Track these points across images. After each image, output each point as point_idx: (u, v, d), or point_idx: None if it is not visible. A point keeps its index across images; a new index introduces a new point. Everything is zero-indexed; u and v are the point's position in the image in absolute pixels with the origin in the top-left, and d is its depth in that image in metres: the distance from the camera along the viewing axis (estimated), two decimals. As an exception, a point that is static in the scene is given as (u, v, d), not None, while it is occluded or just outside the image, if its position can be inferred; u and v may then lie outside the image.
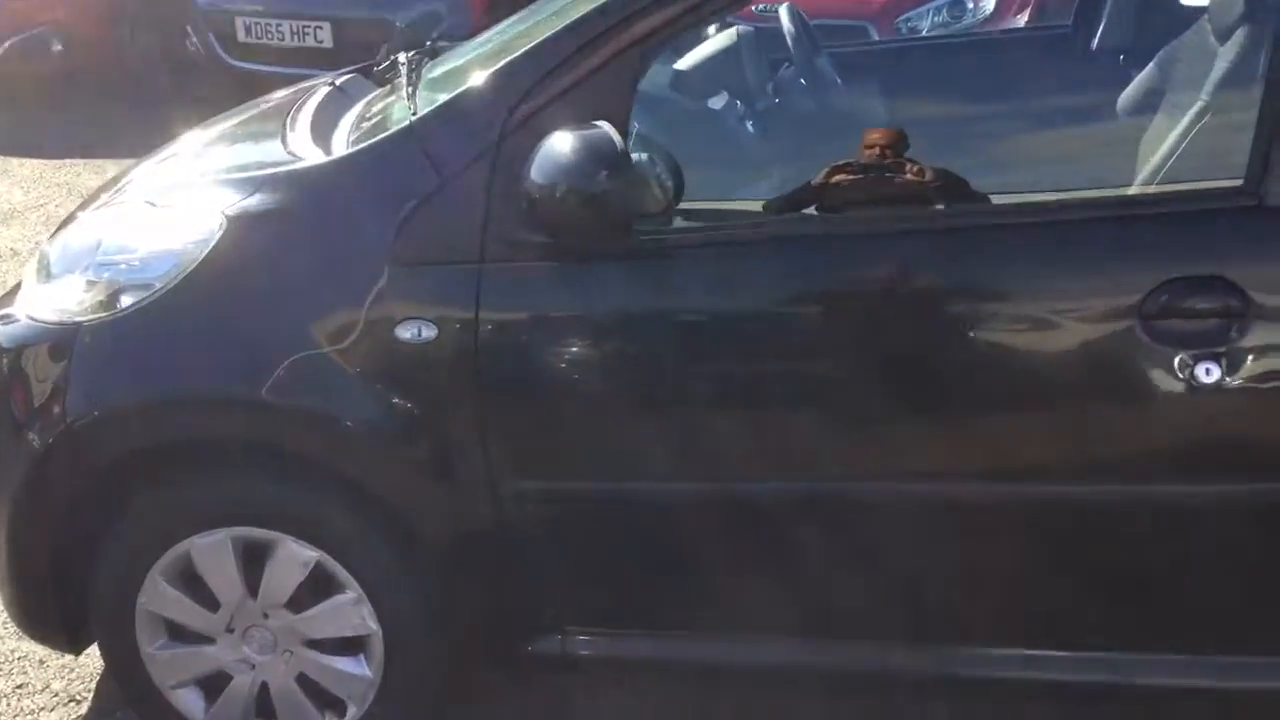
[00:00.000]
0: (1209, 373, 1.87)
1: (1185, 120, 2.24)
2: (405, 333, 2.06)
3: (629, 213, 1.94)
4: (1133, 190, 2.15)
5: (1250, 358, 1.86)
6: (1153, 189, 2.09)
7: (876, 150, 2.18)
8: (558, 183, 1.89)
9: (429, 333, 2.05)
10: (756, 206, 2.25)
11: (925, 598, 2.13)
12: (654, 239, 2.04)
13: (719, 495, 2.12)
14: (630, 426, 2.11)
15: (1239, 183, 1.89)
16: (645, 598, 2.24)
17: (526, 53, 2.07)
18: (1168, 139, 2.25)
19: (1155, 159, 2.23)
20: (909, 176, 2.14)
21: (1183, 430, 1.93)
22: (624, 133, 1.94)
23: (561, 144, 1.89)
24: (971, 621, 2.15)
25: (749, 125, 2.75)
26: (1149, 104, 2.64)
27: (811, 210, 2.14)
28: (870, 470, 2.08)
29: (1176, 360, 1.87)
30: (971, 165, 2.50)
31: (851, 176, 2.14)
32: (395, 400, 2.09)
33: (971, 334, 1.97)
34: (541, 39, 2.07)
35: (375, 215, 2.08)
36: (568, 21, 2.06)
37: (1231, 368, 1.86)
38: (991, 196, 2.18)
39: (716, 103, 2.69)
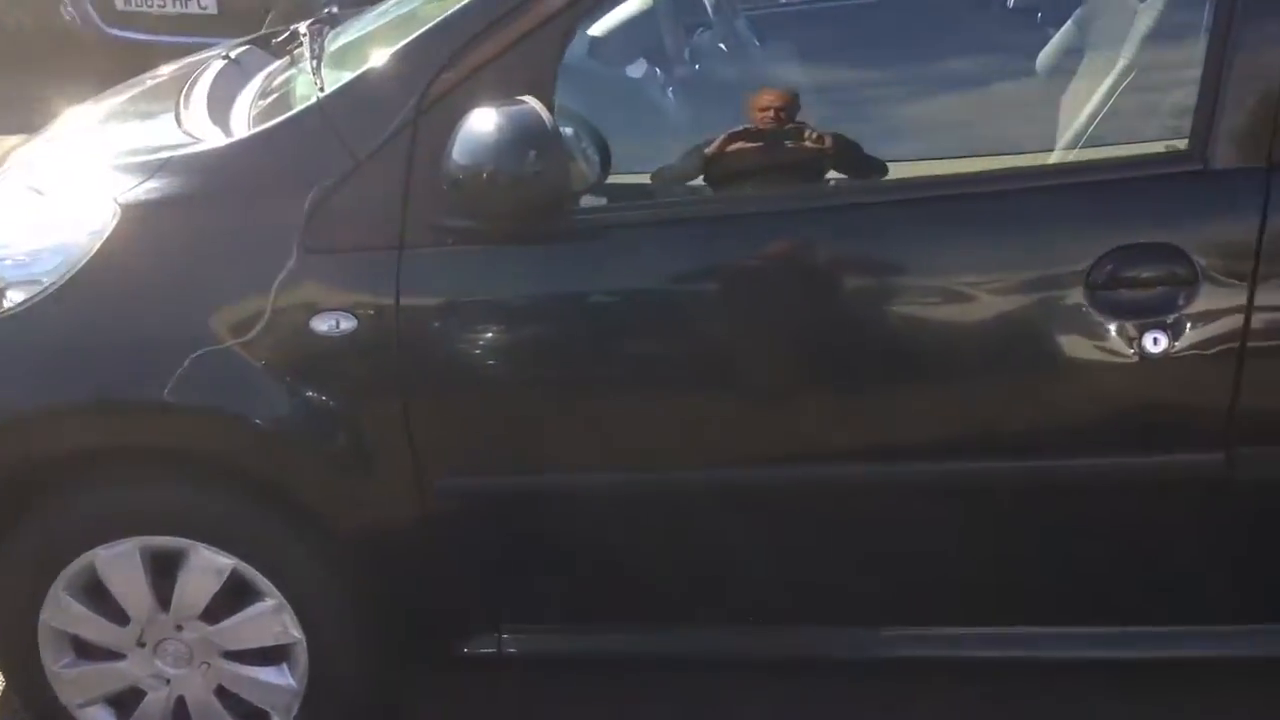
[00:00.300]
0: (1156, 342, 1.83)
1: (1108, 81, 2.20)
2: (322, 325, 1.94)
3: (561, 193, 1.83)
4: (1071, 156, 2.10)
5: (1199, 325, 1.82)
6: (1095, 154, 2.03)
7: (770, 113, 2.11)
8: (483, 164, 1.78)
9: (347, 324, 1.93)
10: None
11: (869, 580, 2.09)
12: (587, 219, 1.94)
13: (654, 484, 2.03)
14: (564, 415, 2.01)
15: (1184, 146, 1.85)
16: (585, 591, 2.16)
17: (441, 23, 1.95)
18: (1090, 101, 2.20)
19: (1078, 122, 2.18)
20: (807, 144, 2.08)
21: (1131, 402, 1.89)
22: (549, 108, 1.83)
23: (485, 123, 1.78)
24: (924, 601, 2.11)
25: (670, 94, 2.66)
26: (1068, 64, 2.59)
27: (700, 180, 2.09)
28: (809, 454, 2.01)
29: (1124, 330, 1.83)
30: (890, 129, 2.45)
31: (749, 145, 2.06)
32: (311, 396, 1.97)
33: (919, 312, 1.92)
34: (457, 7, 1.94)
35: (284, 200, 1.94)
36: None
37: (1180, 336, 1.82)
38: (920, 163, 2.13)
39: (635, 71, 2.59)
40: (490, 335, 1.98)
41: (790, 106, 2.12)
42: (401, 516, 2.05)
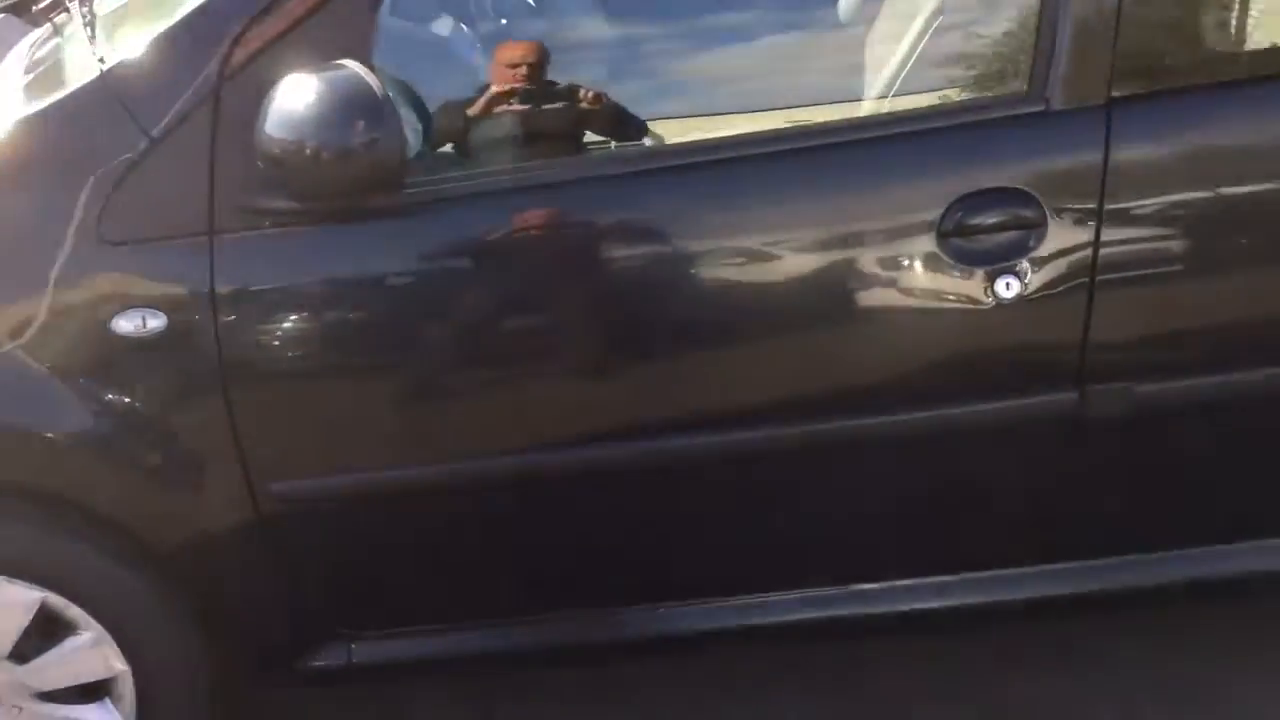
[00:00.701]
0: (1009, 287, 1.82)
1: (917, 25, 2.17)
2: (127, 324, 1.75)
3: (399, 165, 1.68)
4: (911, 103, 2.05)
5: (1049, 267, 1.82)
6: (936, 101, 1.99)
7: (522, 70, 2.00)
8: (304, 137, 1.62)
9: (156, 322, 1.75)
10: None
11: (726, 554, 2.04)
12: (418, 192, 1.79)
13: (495, 472, 1.92)
14: (401, 407, 1.87)
15: (1024, 88, 1.83)
16: (436, 592, 2.03)
17: None
18: (901, 45, 2.18)
19: (889, 68, 2.15)
20: (584, 105, 2.00)
21: (988, 348, 1.88)
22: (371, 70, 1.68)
23: (302, 91, 1.62)
24: (790, 568, 2.06)
25: (480, 51, 2.51)
26: (871, 8, 2.56)
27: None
28: (652, 428, 1.91)
29: (978, 277, 1.81)
30: (707, 81, 2.36)
31: (521, 107, 1.97)
32: (116, 403, 1.78)
33: (765, 275, 1.85)
34: None
35: (72, 188, 1.73)
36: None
37: (1032, 279, 1.81)
38: (731, 117, 2.08)
39: (442, 28, 2.43)
40: (319, 325, 1.82)
41: (539, 60, 2.01)
42: (231, 527, 1.88)
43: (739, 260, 1.86)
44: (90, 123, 1.77)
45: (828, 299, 1.87)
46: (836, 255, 1.84)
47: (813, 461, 1.94)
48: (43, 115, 1.81)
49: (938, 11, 2.15)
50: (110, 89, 1.77)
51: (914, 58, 2.12)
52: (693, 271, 1.87)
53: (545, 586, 2.06)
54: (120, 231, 1.73)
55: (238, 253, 1.75)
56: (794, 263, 1.86)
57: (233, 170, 1.71)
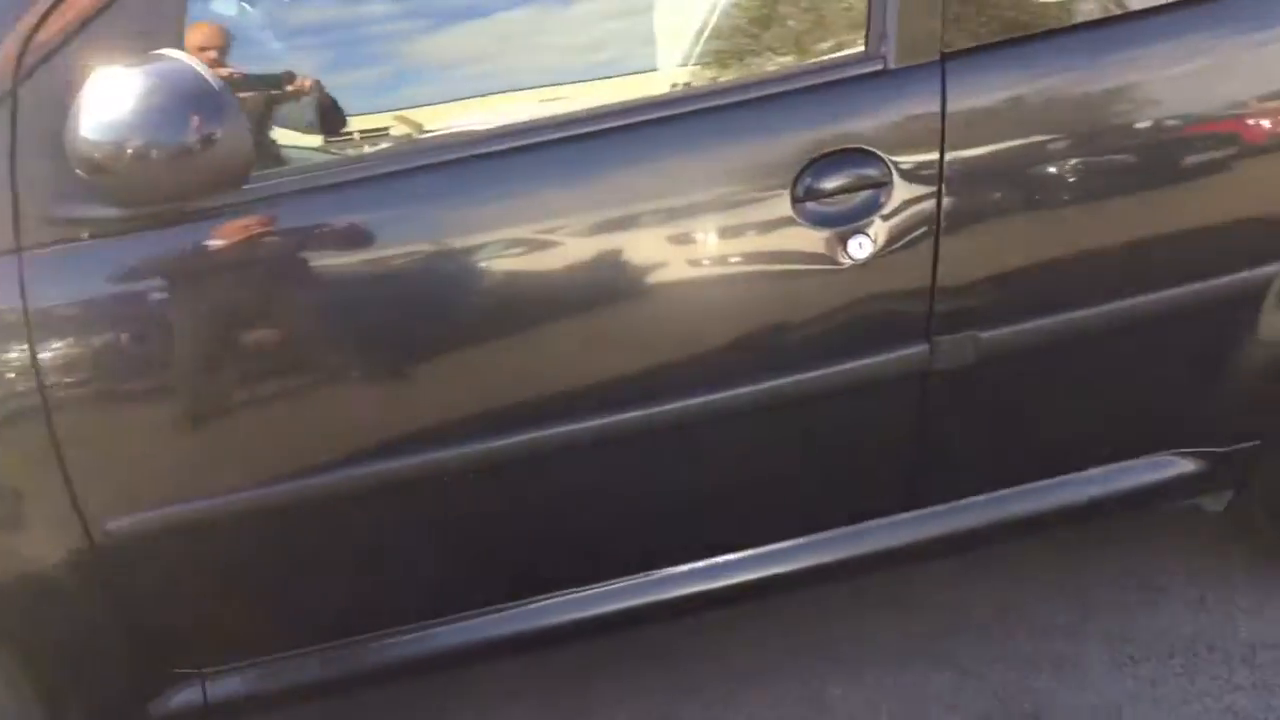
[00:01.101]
0: (861, 246, 1.83)
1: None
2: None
3: (246, 162, 1.54)
4: (750, 70, 2.01)
5: (898, 223, 1.84)
6: (780, 66, 1.95)
7: (212, 54, 1.81)
8: (128, 138, 1.46)
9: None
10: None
11: (556, 548, 2.03)
12: (270, 186, 1.65)
13: (338, 486, 1.81)
14: (237, 427, 1.74)
15: (861, 48, 1.84)
16: (289, 619, 1.91)
17: None
18: (696, 13, 2.15)
19: (688, 36, 2.13)
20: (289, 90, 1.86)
21: (843, 309, 1.89)
22: None
23: (124, 87, 1.46)
24: (627, 548, 2.06)
25: (271, 33, 2.34)
26: None
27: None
28: (475, 431, 1.85)
29: (832, 239, 1.82)
30: (517, 59, 2.27)
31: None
32: None
33: (626, 255, 1.81)
34: None
35: None
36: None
37: (882, 237, 1.84)
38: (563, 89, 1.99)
39: (227, 8, 2.25)
40: (151, 342, 1.67)
41: (222, 44, 1.84)
42: (62, 567, 1.71)
43: (582, 247, 1.81)
44: None
45: (683, 277, 1.83)
46: (700, 225, 1.81)
47: (676, 436, 1.91)
48: None
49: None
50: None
51: (738, 23, 2.10)
52: (538, 266, 1.81)
53: (368, 604, 1.98)
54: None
55: (51, 266, 1.59)
56: (641, 245, 1.82)
57: (41, 178, 1.55)
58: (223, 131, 1.48)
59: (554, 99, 1.98)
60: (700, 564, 2.06)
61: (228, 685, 1.88)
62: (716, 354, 1.87)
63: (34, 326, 1.57)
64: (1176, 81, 1.94)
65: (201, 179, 1.52)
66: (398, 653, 1.99)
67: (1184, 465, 2.24)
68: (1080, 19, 1.91)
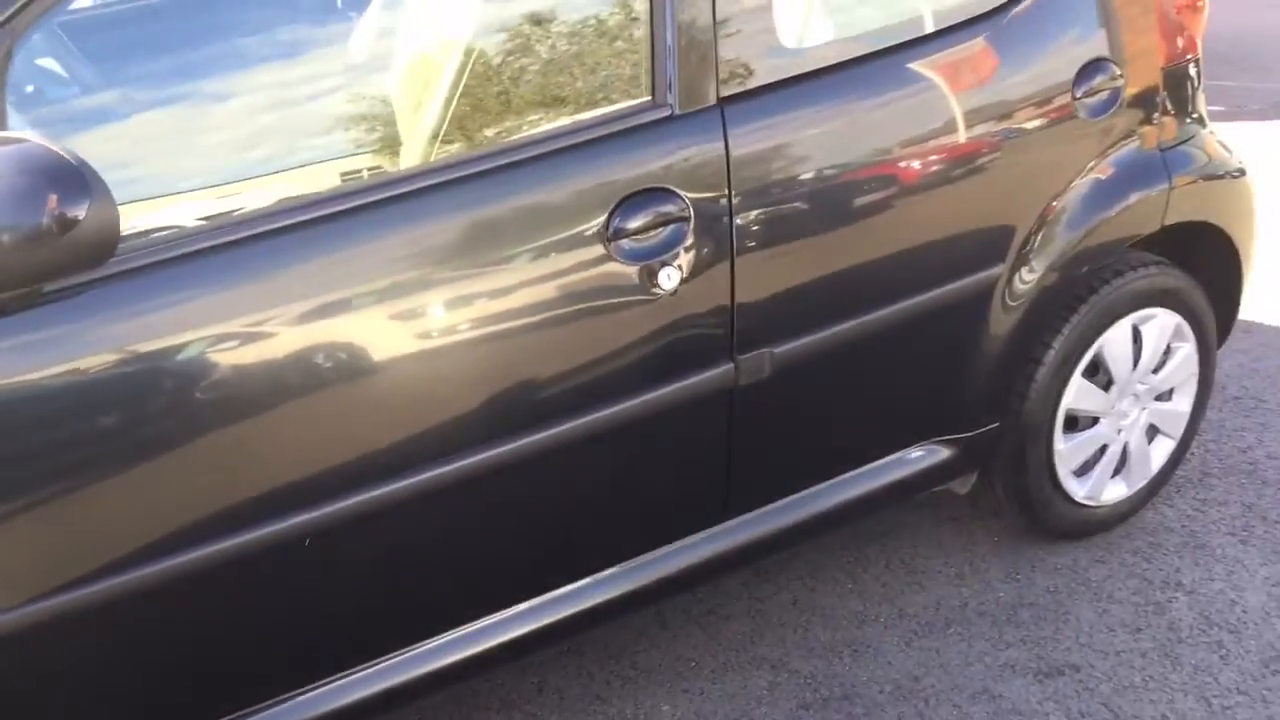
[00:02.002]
0: (670, 278, 1.98)
1: (456, 60, 2.26)
2: None
3: (115, 235, 1.51)
4: (561, 120, 2.09)
5: (699, 254, 2.01)
6: (581, 117, 2.03)
7: None
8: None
9: None
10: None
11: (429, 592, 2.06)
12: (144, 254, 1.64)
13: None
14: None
15: (647, 98, 2.00)
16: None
17: None
18: (442, 85, 2.24)
19: (433, 113, 2.20)
20: None
21: (657, 337, 2.02)
22: None
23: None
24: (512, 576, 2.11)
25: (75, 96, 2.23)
26: (389, 49, 2.59)
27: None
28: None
29: (644, 273, 1.96)
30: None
31: None
32: None
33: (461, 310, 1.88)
34: None
35: None
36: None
37: (688, 268, 2.00)
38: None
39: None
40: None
41: None
42: None
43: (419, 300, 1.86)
44: None
45: (510, 321, 1.91)
46: (521, 273, 1.90)
47: (524, 471, 1.99)
48: None
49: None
50: None
51: (529, 80, 2.18)
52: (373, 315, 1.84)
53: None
54: None
55: None
56: (469, 290, 1.88)
57: None
58: (94, 208, 1.45)
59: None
60: (515, 609, 2.14)
61: None
62: (542, 389, 1.96)
63: None
64: (900, 117, 2.21)
65: (72, 259, 1.48)
66: None
67: (941, 453, 2.52)
68: (829, 63, 2.15)
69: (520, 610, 2.16)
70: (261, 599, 1.88)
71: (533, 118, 2.01)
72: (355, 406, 1.82)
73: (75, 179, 1.45)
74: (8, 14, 1.54)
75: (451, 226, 1.88)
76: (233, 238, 1.72)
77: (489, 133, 2.00)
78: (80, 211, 1.45)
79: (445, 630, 2.10)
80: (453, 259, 1.87)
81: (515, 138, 1.98)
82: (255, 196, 1.84)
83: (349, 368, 1.80)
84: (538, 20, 2.08)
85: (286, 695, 1.97)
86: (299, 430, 1.78)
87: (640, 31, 2.00)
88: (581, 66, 2.06)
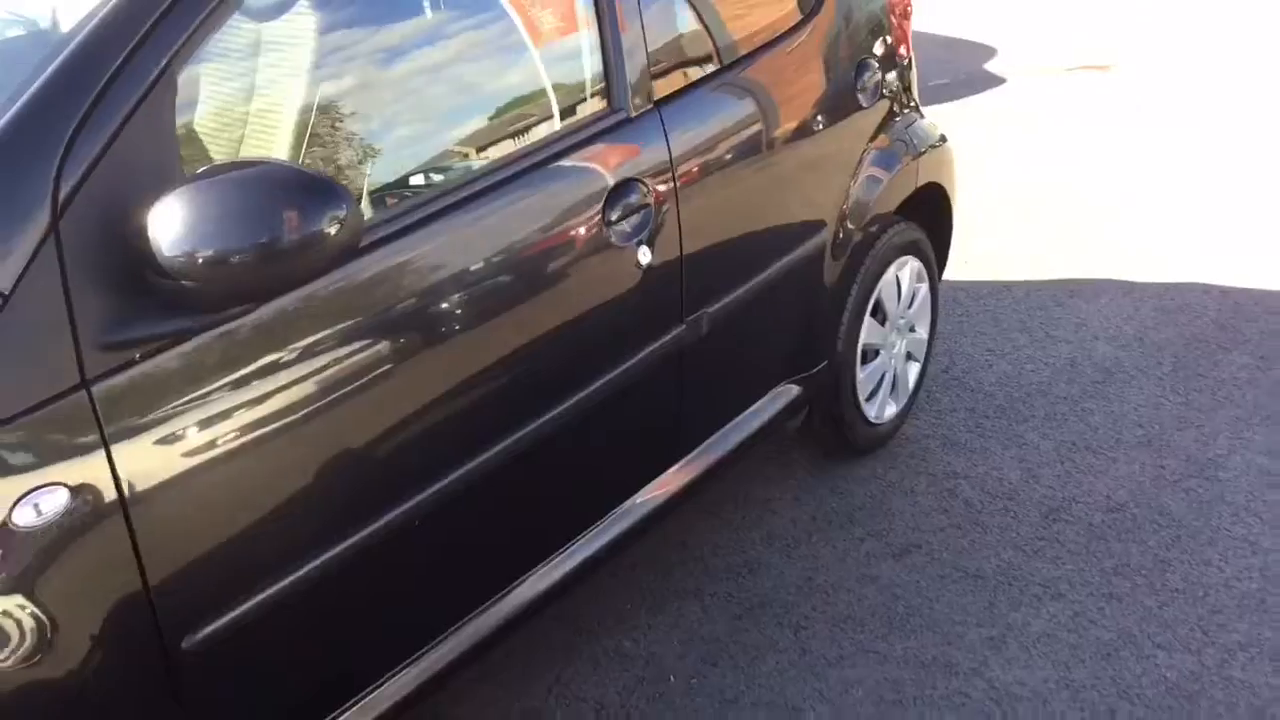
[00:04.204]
0: (645, 255, 2.33)
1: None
2: (23, 518, 1.47)
3: (357, 234, 1.65)
4: (558, 127, 2.28)
5: (661, 234, 2.37)
6: (558, 127, 2.27)
7: None
8: (233, 247, 1.53)
9: (56, 503, 1.50)
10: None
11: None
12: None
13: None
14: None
15: (606, 104, 2.34)
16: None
17: (47, 89, 1.55)
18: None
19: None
20: None
21: (639, 306, 2.36)
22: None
23: (232, 199, 1.53)
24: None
25: None
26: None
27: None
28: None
29: (630, 252, 2.30)
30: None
31: None
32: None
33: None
34: (60, 63, 1.57)
35: None
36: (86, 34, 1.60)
37: (656, 245, 2.35)
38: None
39: None
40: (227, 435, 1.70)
41: None
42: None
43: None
44: None
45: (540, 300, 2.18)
46: (544, 257, 2.17)
47: (555, 438, 2.26)
48: None
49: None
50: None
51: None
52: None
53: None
54: (-9, 412, 1.45)
55: (129, 398, 1.57)
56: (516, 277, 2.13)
57: (93, 308, 1.54)
58: (349, 215, 1.59)
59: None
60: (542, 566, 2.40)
61: None
62: (576, 358, 2.27)
63: (116, 459, 1.54)
64: (767, 119, 2.69)
65: (325, 261, 1.63)
66: None
67: (793, 391, 3.01)
68: (722, 64, 2.60)
69: (556, 559, 2.41)
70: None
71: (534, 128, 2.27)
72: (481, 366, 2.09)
73: (332, 191, 1.59)
74: (177, 45, 1.64)
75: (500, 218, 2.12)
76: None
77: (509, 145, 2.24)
78: (341, 217, 1.60)
79: (515, 580, 2.33)
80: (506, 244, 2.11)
81: (523, 145, 2.23)
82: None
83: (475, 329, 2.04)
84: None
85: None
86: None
87: (593, 43, 2.34)
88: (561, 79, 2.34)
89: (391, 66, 2.04)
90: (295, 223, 1.56)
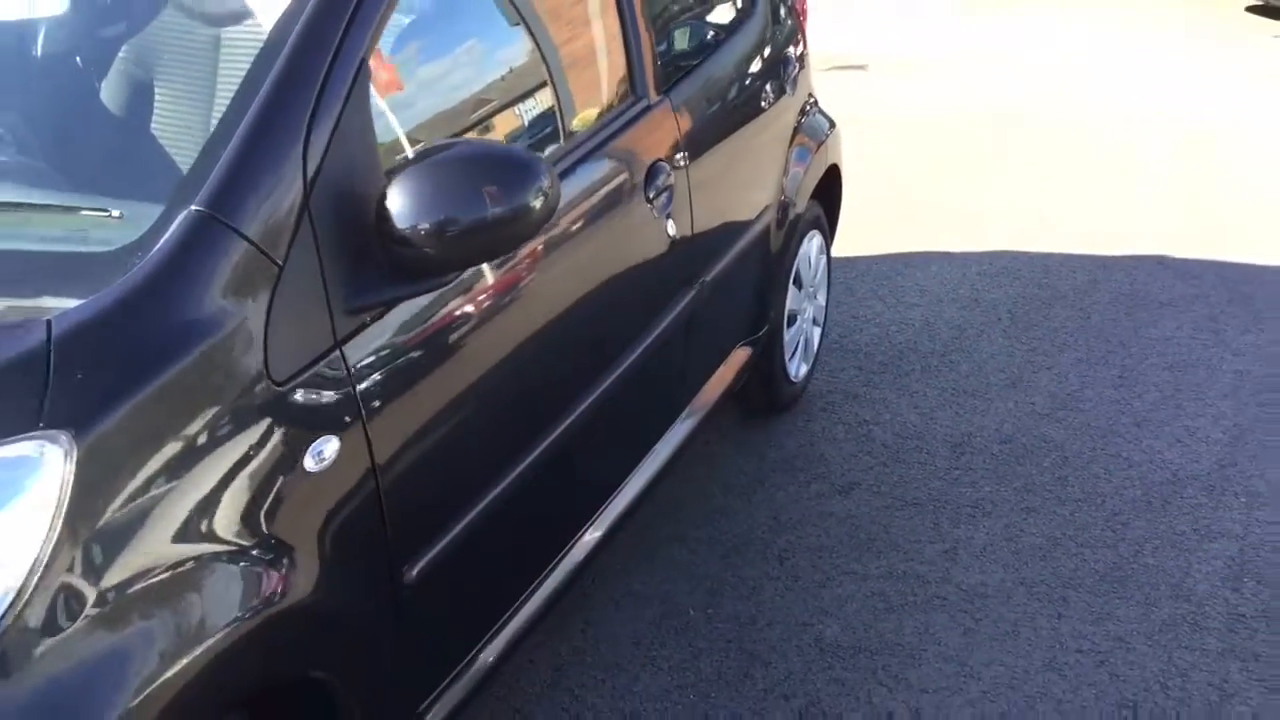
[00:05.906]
0: (671, 227, 2.62)
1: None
2: (312, 462, 1.64)
3: (556, 201, 1.85)
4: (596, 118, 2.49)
5: (677, 207, 2.65)
6: (595, 116, 2.50)
7: None
8: (463, 216, 1.73)
9: (332, 450, 1.67)
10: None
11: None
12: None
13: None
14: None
15: (630, 93, 2.60)
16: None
17: (281, 81, 1.70)
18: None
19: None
20: None
21: (671, 269, 2.64)
22: None
23: (465, 174, 1.74)
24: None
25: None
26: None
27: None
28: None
29: (659, 216, 2.57)
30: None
31: None
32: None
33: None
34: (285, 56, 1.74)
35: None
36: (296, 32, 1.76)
37: (677, 218, 2.64)
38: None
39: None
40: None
41: None
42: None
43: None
44: (206, 249, 1.58)
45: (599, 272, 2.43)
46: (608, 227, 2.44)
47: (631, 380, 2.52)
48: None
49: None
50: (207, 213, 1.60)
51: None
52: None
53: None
54: (284, 370, 1.61)
55: (369, 346, 1.75)
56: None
57: (342, 276, 1.71)
58: (552, 187, 1.80)
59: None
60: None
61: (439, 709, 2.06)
62: (630, 320, 2.53)
63: (371, 419, 1.73)
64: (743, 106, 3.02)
65: (525, 233, 1.82)
66: None
67: (748, 350, 3.34)
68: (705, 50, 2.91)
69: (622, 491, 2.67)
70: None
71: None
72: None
73: (536, 166, 1.80)
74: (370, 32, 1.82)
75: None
76: None
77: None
78: (545, 188, 1.80)
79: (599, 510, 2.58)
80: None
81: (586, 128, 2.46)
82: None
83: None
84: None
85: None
86: None
87: (615, 42, 2.59)
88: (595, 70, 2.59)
89: (481, 61, 2.25)
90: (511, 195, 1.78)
